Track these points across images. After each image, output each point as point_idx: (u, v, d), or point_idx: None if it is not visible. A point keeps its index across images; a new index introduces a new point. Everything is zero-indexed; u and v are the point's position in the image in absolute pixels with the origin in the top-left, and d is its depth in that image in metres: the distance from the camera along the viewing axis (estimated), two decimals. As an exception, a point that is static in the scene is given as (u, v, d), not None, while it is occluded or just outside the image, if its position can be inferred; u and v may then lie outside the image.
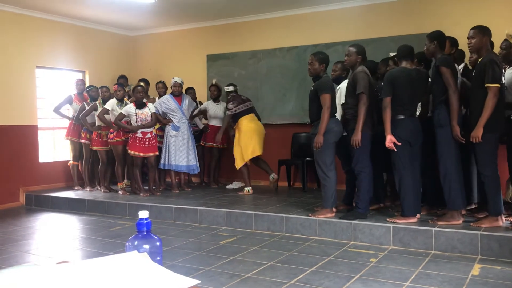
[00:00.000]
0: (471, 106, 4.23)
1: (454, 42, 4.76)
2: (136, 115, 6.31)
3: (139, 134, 6.34)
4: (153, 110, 6.48)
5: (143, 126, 6.32)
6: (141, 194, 6.48)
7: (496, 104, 4.00)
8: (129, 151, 6.38)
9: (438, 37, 4.38)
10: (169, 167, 6.75)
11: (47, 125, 7.60)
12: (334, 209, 4.85)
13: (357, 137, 4.50)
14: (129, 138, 6.39)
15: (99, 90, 6.91)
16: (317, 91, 4.76)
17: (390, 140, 4.32)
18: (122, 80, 7.66)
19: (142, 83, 6.55)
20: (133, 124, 6.34)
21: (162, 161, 6.73)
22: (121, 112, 6.36)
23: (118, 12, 7.31)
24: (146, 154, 6.41)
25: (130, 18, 7.73)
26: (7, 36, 6.86)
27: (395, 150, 4.35)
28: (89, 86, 7.22)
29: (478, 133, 4.02)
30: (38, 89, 7.36)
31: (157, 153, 6.57)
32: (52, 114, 7.24)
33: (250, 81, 7.62)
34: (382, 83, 5.16)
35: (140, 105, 6.36)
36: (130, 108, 6.34)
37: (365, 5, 6.73)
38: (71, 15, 7.46)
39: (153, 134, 6.53)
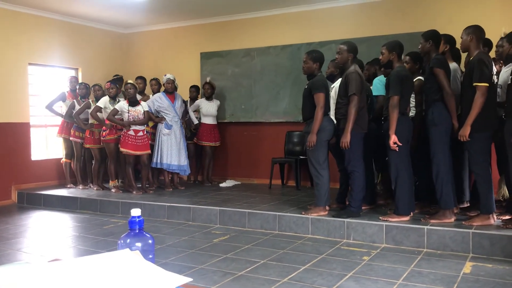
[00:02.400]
0: (461, 105, 4.25)
1: (448, 39, 4.77)
2: (128, 112, 6.29)
3: (131, 132, 6.32)
4: (146, 109, 6.45)
5: (134, 123, 6.30)
6: (134, 192, 6.46)
7: (487, 103, 4.03)
8: (121, 149, 6.36)
9: (433, 37, 4.40)
10: (160, 166, 6.72)
11: (39, 123, 7.55)
12: (327, 208, 4.86)
13: (346, 138, 4.48)
14: (121, 136, 6.36)
15: (92, 88, 6.88)
16: (311, 89, 4.77)
17: (394, 140, 4.31)
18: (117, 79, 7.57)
19: (130, 80, 6.50)
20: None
21: (154, 160, 6.71)
22: (114, 108, 6.34)
23: (112, 9, 7.28)
24: (138, 152, 6.39)
25: (123, 15, 7.69)
26: (-1, 33, 6.82)
27: (397, 150, 4.35)
28: (79, 84, 7.18)
29: (465, 131, 4.06)
30: (31, 86, 7.31)
31: (149, 151, 6.55)
32: (44, 111, 7.20)
33: (243, 79, 7.62)
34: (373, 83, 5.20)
35: (133, 103, 6.34)
36: (123, 104, 6.33)
37: (359, 4, 6.74)
38: (64, 12, 7.41)
39: (145, 132, 6.50)
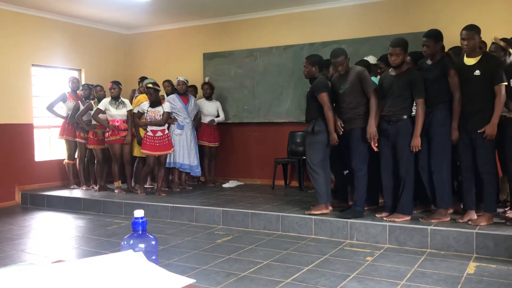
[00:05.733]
0: (475, 106, 4.19)
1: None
2: (147, 113, 6.31)
3: (149, 133, 6.30)
4: (167, 110, 6.37)
5: (150, 123, 6.27)
6: (138, 192, 6.47)
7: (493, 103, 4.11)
8: (141, 150, 6.39)
9: (441, 38, 4.41)
10: (173, 165, 6.74)
11: (43, 124, 7.58)
12: (330, 207, 4.90)
13: (373, 129, 4.53)
14: (143, 137, 6.38)
15: (94, 89, 6.88)
16: (313, 91, 4.86)
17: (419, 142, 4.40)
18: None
19: (150, 84, 6.40)
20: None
21: (167, 159, 6.72)
22: (138, 110, 6.41)
23: (114, 10, 7.29)
24: (158, 153, 6.34)
25: (126, 16, 7.71)
26: (2, 34, 6.83)
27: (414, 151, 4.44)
28: (82, 85, 7.20)
29: (494, 131, 4.08)
30: (34, 87, 7.33)
31: (169, 151, 6.46)
32: (47, 112, 7.21)
33: (246, 80, 7.61)
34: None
35: (153, 103, 6.32)
36: (144, 105, 6.36)
37: (361, 4, 6.73)
38: (67, 13, 7.43)
39: (165, 133, 6.40)
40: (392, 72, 4.56)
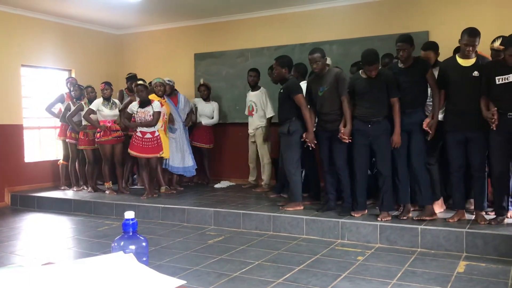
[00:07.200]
0: (474, 106, 4.23)
1: None
2: (136, 114, 6.14)
3: (138, 134, 6.15)
4: (157, 109, 6.11)
5: (140, 124, 6.11)
6: (143, 197, 6.18)
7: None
8: (129, 151, 6.25)
9: (413, 41, 4.46)
10: (166, 167, 6.66)
11: (32, 124, 7.52)
12: (301, 205, 5.13)
13: (349, 130, 4.63)
14: (131, 137, 6.26)
15: (85, 90, 6.82)
16: (288, 93, 4.98)
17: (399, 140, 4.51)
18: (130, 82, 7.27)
19: (140, 82, 6.28)
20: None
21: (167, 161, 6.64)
22: (127, 111, 6.25)
23: (105, 10, 7.25)
24: (144, 155, 6.15)
25: (117, 16, 7.67)
26: (-9, 34, 6.78)
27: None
28: (73, 85, 7.14)
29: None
30: (24, 88, 7.27)
31: (157, 155, 6.21)
32: (38, 113, 7.16)
33: (238, 80, 7.60)
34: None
35: (142, 104, 6.13)
36: (133, 106, 6.18)
37: (353, 4, 6.75)
38: (57, 13, 7.38)
39: (154, 135, 6.17)
40: (363, 74, 4.60)
